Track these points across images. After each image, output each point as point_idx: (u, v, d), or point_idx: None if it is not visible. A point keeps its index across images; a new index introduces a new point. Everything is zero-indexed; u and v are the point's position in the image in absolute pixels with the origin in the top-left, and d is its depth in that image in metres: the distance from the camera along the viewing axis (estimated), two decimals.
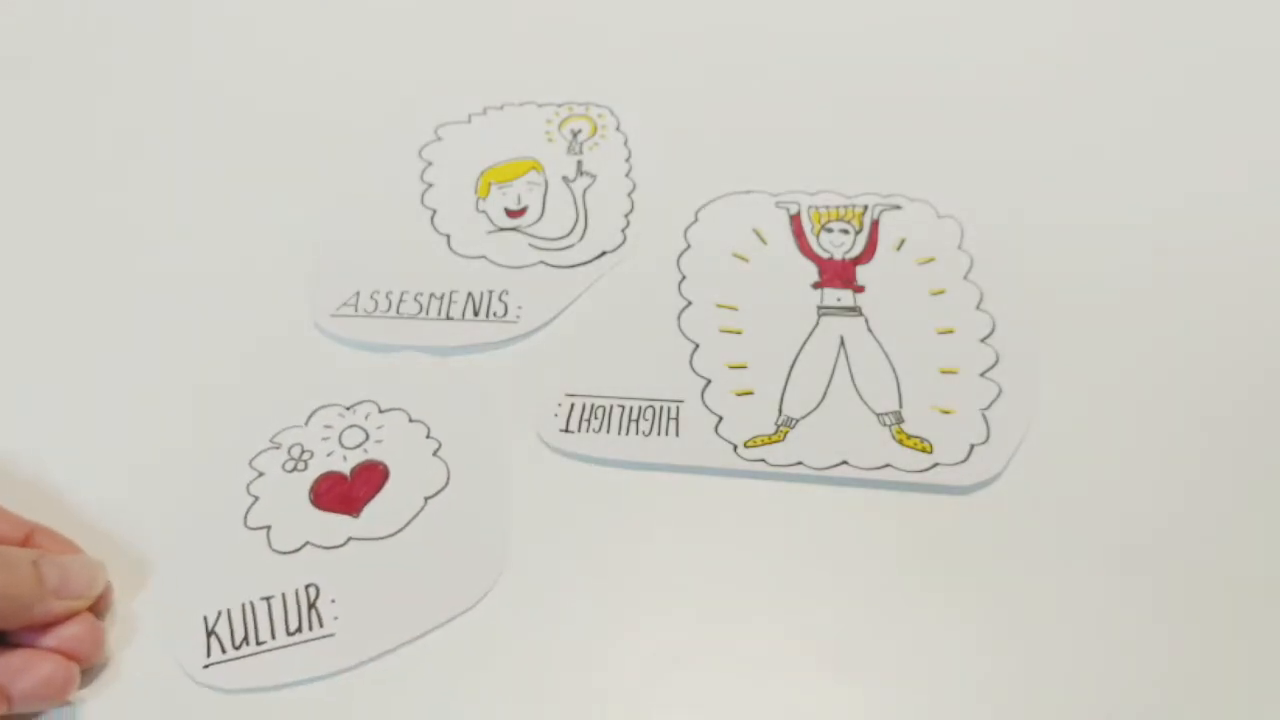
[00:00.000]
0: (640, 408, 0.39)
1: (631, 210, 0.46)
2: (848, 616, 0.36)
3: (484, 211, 0.46)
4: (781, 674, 0.34)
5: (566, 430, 0.39)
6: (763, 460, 0.38)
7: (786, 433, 0.39)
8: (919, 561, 0.37)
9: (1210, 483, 0.38)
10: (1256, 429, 0.39)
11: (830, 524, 0.37)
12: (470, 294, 0.43)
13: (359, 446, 0.39)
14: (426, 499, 0.38)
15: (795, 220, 0.45)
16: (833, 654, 0.35)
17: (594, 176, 0.47)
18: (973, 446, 0.38)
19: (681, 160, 0.48)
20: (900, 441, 0.39)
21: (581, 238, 0.45)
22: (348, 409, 0.40)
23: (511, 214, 0.46)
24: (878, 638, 0.35)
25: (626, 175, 0.47)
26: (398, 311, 0.43)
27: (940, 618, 0.35)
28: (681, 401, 0.40)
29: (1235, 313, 0.42)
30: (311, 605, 0.35)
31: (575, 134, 0.49)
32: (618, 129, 0.49)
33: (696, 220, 0.45)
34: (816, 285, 0.43)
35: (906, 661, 0.35)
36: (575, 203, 0.46)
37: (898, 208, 0.45)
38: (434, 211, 0.46)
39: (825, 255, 0.44)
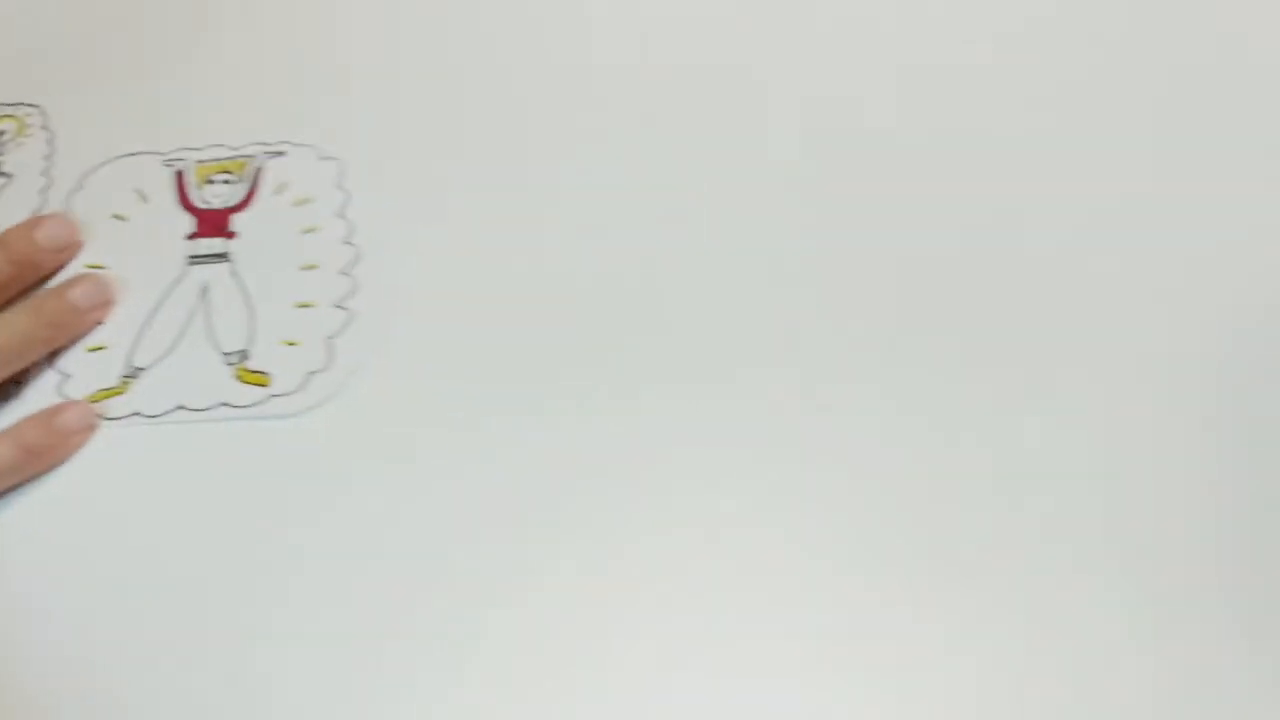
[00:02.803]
0: None
1: None
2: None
3: None
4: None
5: None
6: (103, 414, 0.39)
7: (130, 383, 0.40)
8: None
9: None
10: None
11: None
12: None
13: None
14: None
15: (179, 176, 0.45)
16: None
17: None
18: (310, 374, 0.40)
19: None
20: (240, 378, 0.40)
21: None
22: None
23: None
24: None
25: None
26: None
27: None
28: None
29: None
30: None
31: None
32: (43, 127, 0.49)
33: (81, 188, 0.45)
34: (191, 236, 0.44)
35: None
36: None
37: (282, 154, 0.46)
38: None
39: (205, 206, 0.44)
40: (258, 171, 0.46)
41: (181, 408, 0.39)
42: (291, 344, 0.41)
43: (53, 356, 0.40)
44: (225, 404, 0.39)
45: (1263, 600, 0.35)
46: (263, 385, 0.39)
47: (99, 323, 0.41)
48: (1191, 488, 0.37)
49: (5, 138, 0.48)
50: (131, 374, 0.40)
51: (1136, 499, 0.37)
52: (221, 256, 0.43)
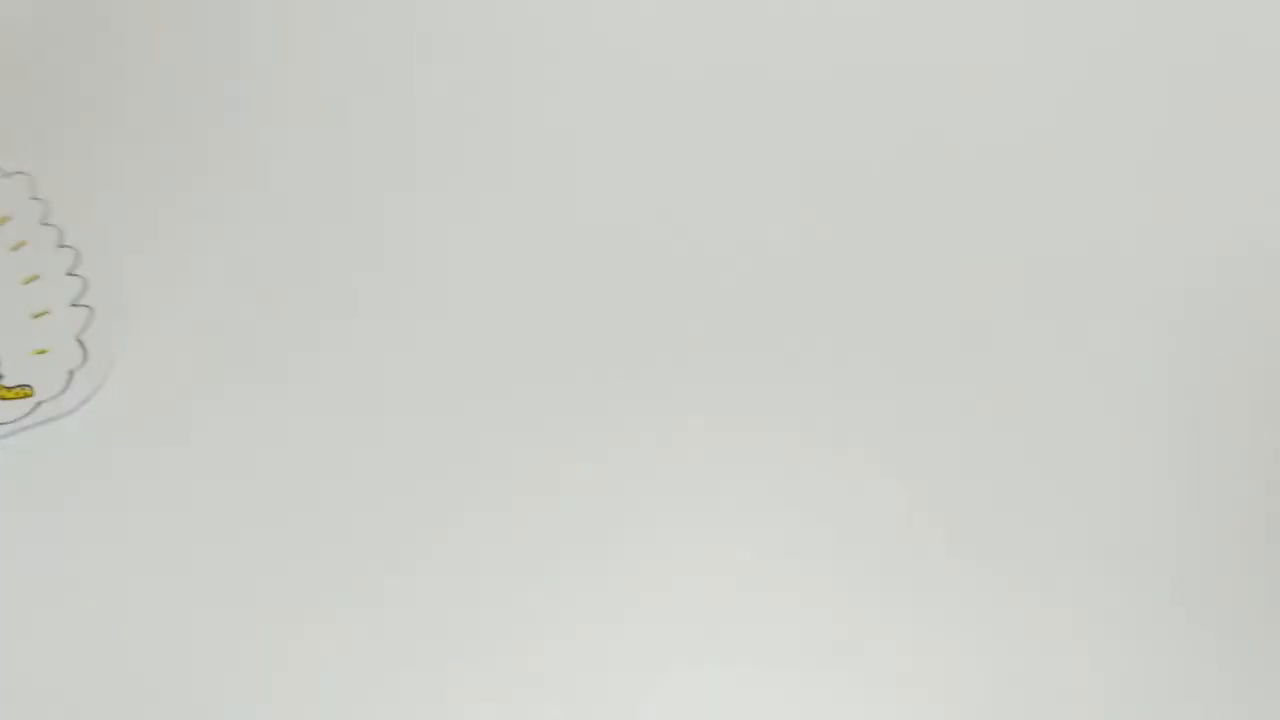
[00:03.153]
0: None
1: None
2: None
3: None
4: None
5: None
6: None
7: None
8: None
9: None
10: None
11: None
12: None
13: None
14: None
15: None
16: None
17: None
18: (71, 373, 0.41)
19: None
20: (2, 397, 0.41)
21: None
22: None
23: None
24: None
25: None
26: None
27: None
28: None
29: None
30: None
31: None
32: None
33: None
34: None
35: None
36: None
37: None
38: None
39: None
40: None
41: None
42: (42, 352, 0.42)
43: None
44: None
45: (1264, 600, 0.36)
46: (27, 397, 0.40)
47: None
48: (1192, 487, 0.38)
49: None
50: None
51: (1135, 499, 0.38)
52: None
